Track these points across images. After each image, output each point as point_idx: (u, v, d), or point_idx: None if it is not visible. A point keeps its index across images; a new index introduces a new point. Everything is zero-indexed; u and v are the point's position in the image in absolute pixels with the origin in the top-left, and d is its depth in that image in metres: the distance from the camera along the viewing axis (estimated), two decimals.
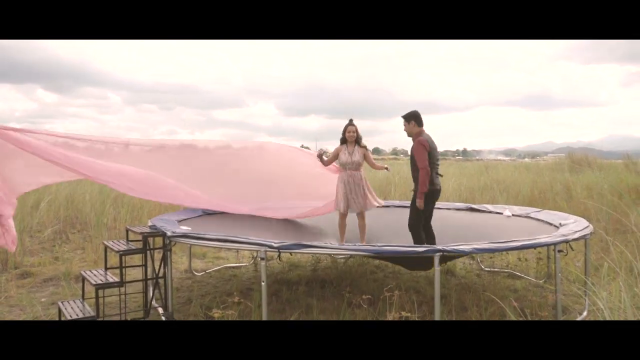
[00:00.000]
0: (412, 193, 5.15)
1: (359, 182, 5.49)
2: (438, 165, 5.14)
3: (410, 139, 5.19)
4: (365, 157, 5.57)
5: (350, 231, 5.66)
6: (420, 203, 4.97)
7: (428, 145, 4.96)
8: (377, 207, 5.66)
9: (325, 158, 5.81)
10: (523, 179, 12.05)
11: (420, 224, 5.07)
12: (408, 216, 5.13)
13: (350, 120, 5.59)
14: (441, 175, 5.21)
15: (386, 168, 5.99)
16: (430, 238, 5.11)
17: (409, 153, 5.24)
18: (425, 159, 4.93)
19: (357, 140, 5.56)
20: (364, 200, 5.51)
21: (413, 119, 5.14)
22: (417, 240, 4.99)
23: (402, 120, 5.22)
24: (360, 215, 5.54)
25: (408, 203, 7.39)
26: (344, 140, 5.58)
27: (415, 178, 5.06)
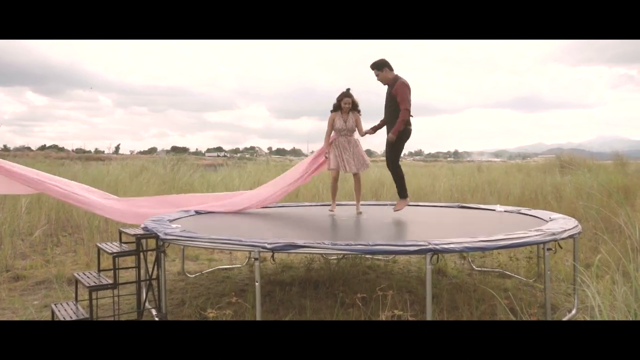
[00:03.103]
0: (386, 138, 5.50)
1: (354, 144, 5.70)
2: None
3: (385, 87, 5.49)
4: (357, 123, 5.83)
5: (343, 228, 5.72)
6: (392, 137, 5.32)
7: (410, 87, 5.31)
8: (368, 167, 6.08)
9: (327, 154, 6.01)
10: (514, 180, 12.14)
11: (398, 160, 5.52)
12: (385, 157, 5.60)
13: (348, 90, 5.76)
14: (412, 116, 5.49)
15: (370, 131, 5.98)
16: (402, 174, 5.62)
17: (386, 96, 5.51)
18: (409, 100, 5.25)
19: (354, 108, 5.81)
20: (358, 162, 5.70)
21: (385, 66, 5.41)
22: (398, 176, 5.53)
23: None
24: (356, 177, 5.76)
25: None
26: (337, 107, 5.73)
27: (393, 119, 5.36)
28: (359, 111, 5.89)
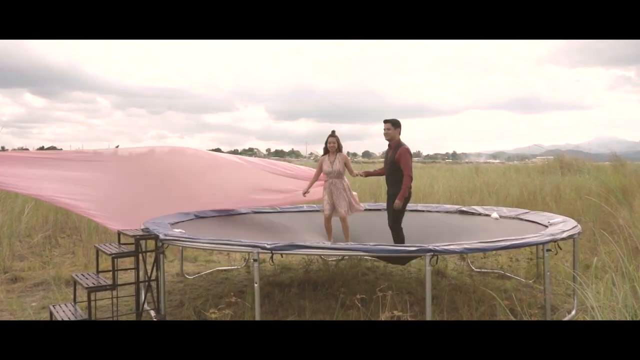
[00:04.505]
0: (388, 196, 5.50)
1: (341, 189, 5.72)
2: None
3: (387, 142, 5.57)
4: (345, 164, 5.83)
5: (339, 233, 5.73)
6: (399, 204, 5.31)
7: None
8: (362, 210, 5.99)
9: (309, 191, 6.02)
10: (512, 182, 12.13)
11: (400, 223, 5.43)
12: (387, 218, 5.50)
13: (332, 132, 5.90)
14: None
15: (361, 174, 6.15)
16: (403, 237, 5.47)
17: (388, 157, 5.59)
18: (411, 167, 5.36)
19: (339, 149, 5.86)
20: (347, 206, 5.74)
21: (400, 127, 5.56)
22: (398, 239, 5.38)
23: (388, 123, 5.42)
24: (341, 219, 5.73)
25: None
26: (326, 151, 5.83)
27: (394, 182, 5.43)
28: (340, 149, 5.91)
